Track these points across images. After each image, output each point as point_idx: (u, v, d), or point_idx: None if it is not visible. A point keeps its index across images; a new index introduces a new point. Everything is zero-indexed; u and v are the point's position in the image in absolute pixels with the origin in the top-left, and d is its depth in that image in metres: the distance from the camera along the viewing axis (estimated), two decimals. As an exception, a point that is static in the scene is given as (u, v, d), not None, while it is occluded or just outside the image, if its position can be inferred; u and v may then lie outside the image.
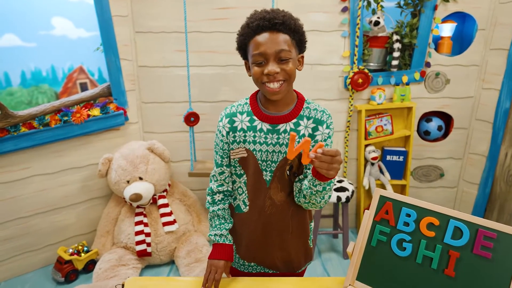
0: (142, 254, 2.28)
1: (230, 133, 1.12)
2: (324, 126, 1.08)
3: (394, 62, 2.49)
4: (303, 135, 1.08)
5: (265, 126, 1.09)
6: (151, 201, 2.40)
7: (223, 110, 1.17)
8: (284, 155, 1.10)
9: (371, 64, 2.56)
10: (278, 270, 1.25)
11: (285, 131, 1.08)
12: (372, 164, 2.65)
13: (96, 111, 2.33)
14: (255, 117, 1.11)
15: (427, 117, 2.68)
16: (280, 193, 1.14)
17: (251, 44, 1.02)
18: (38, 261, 2.39)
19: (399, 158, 2.67)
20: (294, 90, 1.13)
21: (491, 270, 0.88)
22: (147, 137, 2.64)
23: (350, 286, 1.03)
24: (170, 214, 2.39)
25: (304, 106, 1.10)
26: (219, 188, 1.20)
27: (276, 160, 1.11)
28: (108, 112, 2.37)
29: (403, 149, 2.66)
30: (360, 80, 2.45)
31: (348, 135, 2.64)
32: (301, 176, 1.13)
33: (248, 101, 1.14)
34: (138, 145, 2.41)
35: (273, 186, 1.14)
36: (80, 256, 2.28)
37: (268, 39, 0.99)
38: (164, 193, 2.47)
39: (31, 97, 2.25)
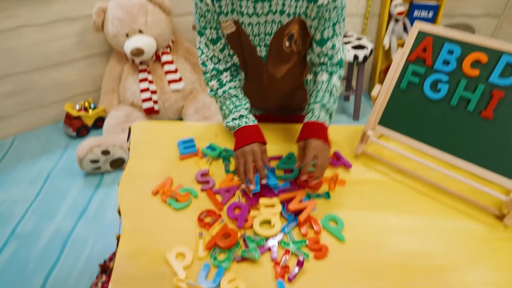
0: (149, 112, 2.25)
1: (215, 1, 0.86)
2: None
3: None
4: None
5: None
6: (154, 57, 2.24)
7: None
8: (279, 25, 0.88)
9: None
10: (280, 113, 1.19)
11: None
12: (397, 20, 2.37)
13: None
14: None
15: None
16: (280, 67, 0.97)
17: None
18: (48, 117, 2.40)
19: (428, 14, 2.37)
20: None
21: (537, 111, 0.78)
22: (143, -16, 2.31)
23: (371, 131, 0.97)
24: (175, 71, 2.27)
25: None
26: (226, 65, 0.98)
27: (270, 31, 0.90)
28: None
29: (434, 3, 2.34)
30: None
31: (374, -16, 2.29)
32: (313, 57, 0.96)
33: None
34: (134, -8, 2.12)
35: (270, 61, 0.96)
36: (88, 112, 2.26)
37: None
38: (168, 50, 2.29)
39: None
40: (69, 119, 2.25)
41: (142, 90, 2.23)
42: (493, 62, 0.81)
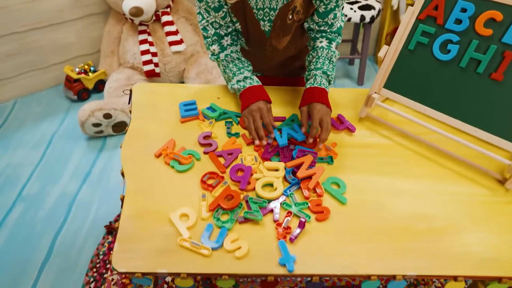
0: (150, 75, 2.21)
1: None
2: None
3: None
4: None
5: None
6: (154, 17, 2.17)
7: None
8: (285, 1, 0.87)
9: None
10: (281, 74, 1.19)
11: None
12: (407, -22, 2.26)
13: None
14: None
15: None
16: (282, 39, 0.98)
17: None
18: (48, 80, 2.36)
19: (440, -29, 2.25)
20: None
21: (550, 74, 0.75)
22: None
23: (375, 94, 0.94)
24: (176, 33, 2.21)
25: None
26: (227, 30, 0.96)
27: (275, 7, 0.88)
28: None
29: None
30: None
31: None
32: (312, 25, 0.95)
33: None
34: None
35: (273, 35, 0.96)
36: (88, 75, 2.23)
37: None
38: (168, 9, 2.21)
39: None
40: (70, 82, 2.22)
41: (143, 52, 2.17)
42: (508, 20, 0.77)
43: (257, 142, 0.88)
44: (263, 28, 0.94)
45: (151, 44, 2.18)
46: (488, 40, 0.80)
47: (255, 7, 0.89)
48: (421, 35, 0.88)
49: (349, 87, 2.42)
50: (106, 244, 1.44)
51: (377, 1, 2.19)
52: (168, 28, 2.19)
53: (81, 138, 1.98)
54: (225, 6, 0.91)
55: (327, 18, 0.93)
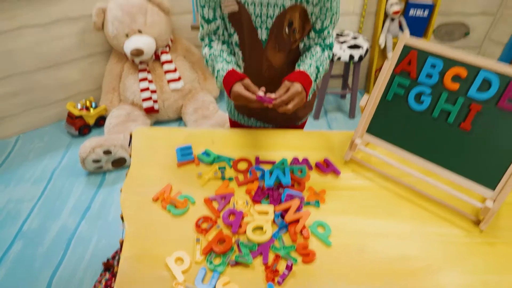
0: (149, 111, 2.31)
1: None
2: None
3: None
4: None
5: None
6: (154, 57, 2.29)
7: None
8: (281, 9, 0.94)
9: None
10: (278, 124, 1.23)
11: None
12: (392, 19, 2.40)
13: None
14: None
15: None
16: (278, 54, 1.04)
17: None
18: (50, 116, 2.45)
19: (423, 13, 2.40)
20: None
21: (510, 125, 0.83)
22: (142, -15, 2.34)
23: (358, 139, 1.02)
24: (174, 70, 2.32)
25: None
26: (222, 47, 1.05)
27: (272, 14, 0.96)
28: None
29: (430, 1, 2.36)
30: None
31: (370, -16, 2.31)
32: (306, 41, 1.01)
33: None
34: (132, -7, 2.15)
35: (270, 46, 1.02)
36: (90, 111, 2.32)
37: None
38: (167, 49, 2.33)
39: None
40: (71, 118, 2.30)
41: (142, 90, 2.27)
42: (472, 77, 0.85)
43: (260, 93, 0.92)
44: (260, 37, 1.01)
45: (150, 81, 2.29)
46: (456, 93, 0.88)
47: (253, 13, 0.96)
48: (398, 86, 0.96)
49: (341, 120, 2.51)
50: (103, 282, 1.47)
51: (365, 40, 2.31)
52: (167, 67, 2.30)
53: (81, 173, 2.04)
54: (219, 19, 1.01)
55: (322, 34, 1.02)
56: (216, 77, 1.02)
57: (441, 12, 2.44)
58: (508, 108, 0.83)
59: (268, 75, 1.08)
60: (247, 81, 0.96)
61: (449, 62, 0.88)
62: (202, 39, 1.08)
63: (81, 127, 2.31)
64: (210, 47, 1.05)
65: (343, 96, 2.72)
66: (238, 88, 0.95)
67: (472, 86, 0.85)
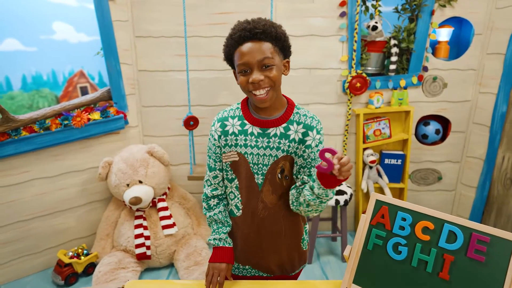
0: (141, 257, 2.29)
1: (222, 136, 1.15)
2: (315, 131, 1.11)
3: (392, 67, 2.51)
4: (293, 140, 1.11)
5: (256, 130, 1.12)
6: (151, 204, 2.41)
7: (216, 115, 1.20)
8: (275, 159, 1.13)
9: (369, 68, 2.58)
10: (273, 274, 1.26)
11: (275, 135, 1.11)
12: (371, 167, 2.67)
13: (96, 115, 2.34)
14: (246, 121, 1.14)
15: (425, 120, 2.70)
16: (272, 196, 1.17)
17: (235, 54, 1.06)
18: (38, 264, 2.39)
19: (397, 161, 2.69)
20: (284, 96, 1.17)
21: (485, 273, 0.89)
22: (147, 141, 2.65)
23: (346, 289, 1.05)
24: (169, 217, 2.41)
25: (294, 112, 1.13)
26: (213, 193, 1.22)
27: (267, 163, 1.14)
28: (108, 116, 2.38)
29: (401, 152, 2.68)
30: (358, 84, 2.47)
31: (346, 138, 2.66)
32: (298, 183, 1.15)
33: (239, 105, 1.18)
34: (138, 149, 2.42)
35: (265, 189, 1.16)
36: (80, 259, 2.29)
37: (251, 49, 1.02)
38: (164, 196, 2.48)
39: (32, 101, 2.27)
40: (60, 267, 2.25)
41: (136, 236, 2.31)
42: (439, 229, 0.96)
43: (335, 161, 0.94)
44: (256, 181, 1.14)
45: (145, 228, 2.35)
46: (429, 244, 0.97)
47: (251, 162, 1.13)
48: (376, 237, 1.05)
49: (334, 264, 2.49)
50: None
51: (348, 187, 2.52)
52: (162, 213, 2.40)
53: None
54: (218, 170, 1.19)
55: (307, 179, 1.13)
56: (214, 239, 1.22)
57: (412, 160, 2.74)
58: (477, 258, 0.91)
59: (263, 215, 1.18)
60: (230, 271, 1.19)
61: (417, 216, 1.00)
62: (204, 185, 1.26)
63: (68, 275, 2.24)
64: (210, 206, 1.24)
65: (334, 239, 2.77)
66: (224, 268, 1.17)
67: (441, 238, 0.95)
